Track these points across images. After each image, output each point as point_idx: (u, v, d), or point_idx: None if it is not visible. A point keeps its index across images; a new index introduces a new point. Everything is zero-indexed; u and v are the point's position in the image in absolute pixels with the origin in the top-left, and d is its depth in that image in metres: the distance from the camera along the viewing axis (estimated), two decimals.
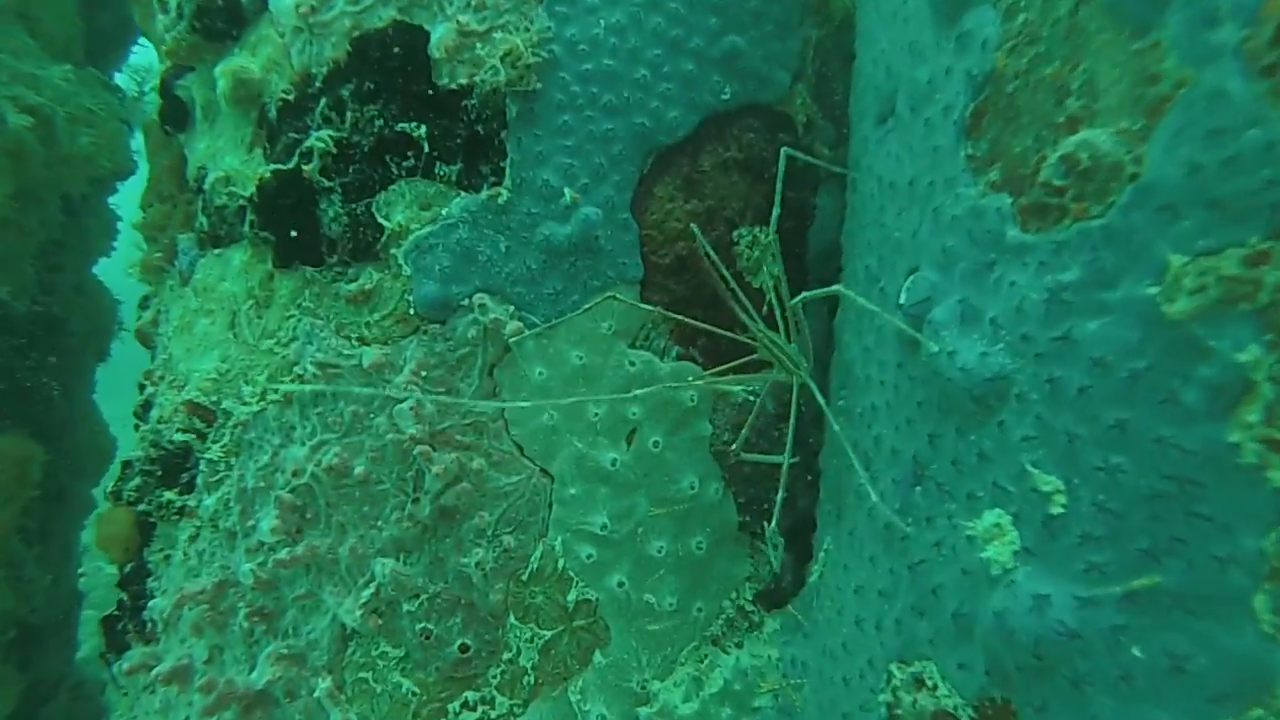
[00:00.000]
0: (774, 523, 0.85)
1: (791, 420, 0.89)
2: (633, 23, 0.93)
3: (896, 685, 0.69)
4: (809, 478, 1.00)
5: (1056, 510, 0.58)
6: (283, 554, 0.93)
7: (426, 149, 0.92)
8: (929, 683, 0.66)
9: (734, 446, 0.92)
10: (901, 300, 0.75)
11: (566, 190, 0.91)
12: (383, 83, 0.93)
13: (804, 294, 0.87)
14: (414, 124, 0.92)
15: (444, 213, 0.92)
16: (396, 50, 0.93)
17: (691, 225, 0.94)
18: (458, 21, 0.92)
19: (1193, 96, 0.53)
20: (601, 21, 0.93)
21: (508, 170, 0.92)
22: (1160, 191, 0.54)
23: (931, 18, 0.71)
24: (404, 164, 0.93)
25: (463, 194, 0.93)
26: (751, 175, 0.99)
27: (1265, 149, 0.50)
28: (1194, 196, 0.52)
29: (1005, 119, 0.65)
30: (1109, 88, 0.58)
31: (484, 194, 0.92)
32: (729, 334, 0.91)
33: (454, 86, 0.92)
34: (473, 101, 0.92)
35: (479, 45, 0.92)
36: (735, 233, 0.97)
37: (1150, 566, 0.54)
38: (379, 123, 0.93)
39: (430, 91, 0.92)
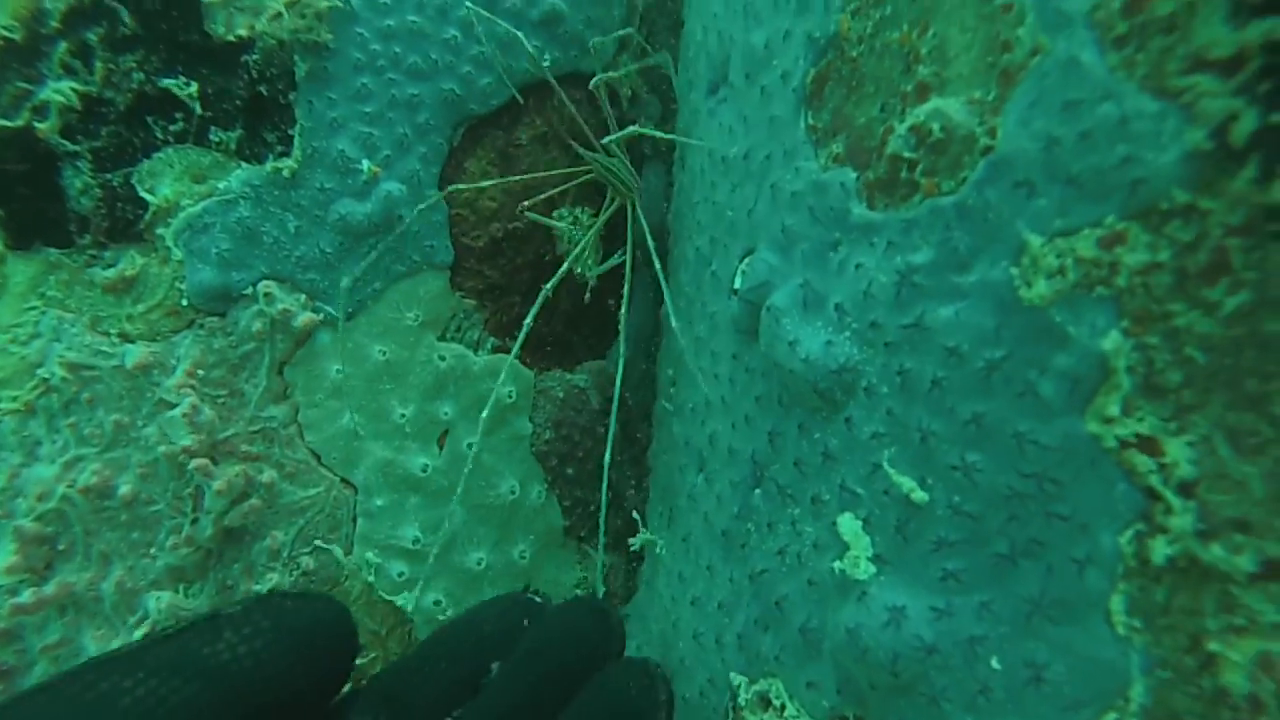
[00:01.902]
0: (600, 548, 0.79)
1: (629, 237, 0.82)
2: None
3: (741, 704, 0.63)
4: (633, 481, 0.93)
5: (910, 514, 0.53)
6: (26, 597, 0.78)
7: (199, 111, 0.79)
8: (776, 702, 0.60)
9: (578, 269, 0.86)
10: (736, 285, 0.69)
11: (365, 163, 0.81)
12: (142, 28, 0.79)
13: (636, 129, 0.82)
14: (182, 80, 0.79)
15: (221, 186, 0.80)
16: None
17: None
18: None
19: (1046, 66, 0.49)
20: None
21: (297, 139, 0.80)
22: (1015, 166, 0.50)
23: None
24: (171, 128, 0.79)
25: (244, 165, 0.80)
26: (574, 150, 0.91)
27: (1119, 124, 0.47)
28: (1050, 172, 0.48)
29: (849, 87, 0.60)
30: (960, 54, 0.54)
31: (269, 165, 0.80)
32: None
33: (231, 38, 0.79)
34: (255, 57, 0.80)
35: None
36: (555, 213, 0.89)
37: (1009, 572, 0.50)
38: (138, 77, 0.79)
39: (203, 42, 0.79)
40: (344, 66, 0.81)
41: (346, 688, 0.53)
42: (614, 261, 0.90)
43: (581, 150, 0.85)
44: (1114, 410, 0.47)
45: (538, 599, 0.60)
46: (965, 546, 0.51)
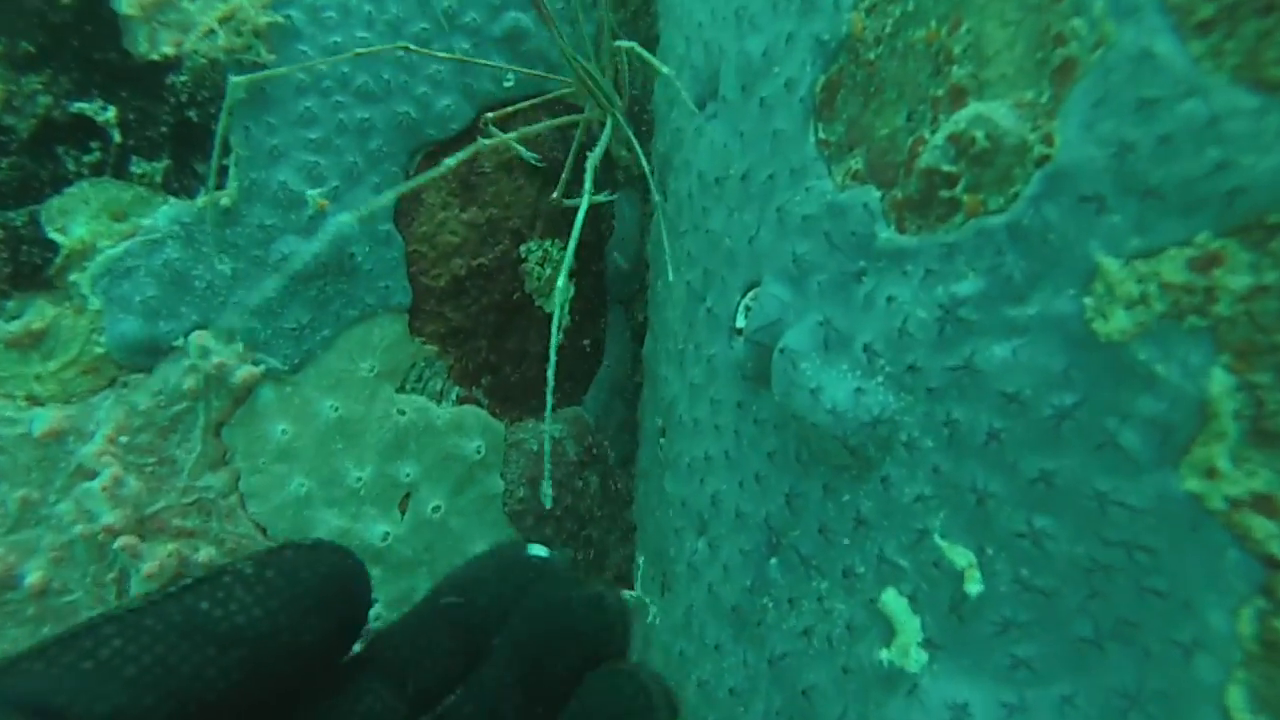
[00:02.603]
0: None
1: (597, 153, 0.73)
2: None
3: None
4: (615, 535, 0.85)
5: (969, 590, 0.44)
6: None
7: (118, 138, 0.70)
8: None
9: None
10: (739, 324, 0.61)
11: (311, 195, 0.72)
12: (49, 45, 0.70)
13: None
14: (98, 104, 0.69)
15: (146, 224, 0.70)
16: (67, 1, 0.70)
17: None
18: None
19: (1112, 60, 0.42)
20: None
21: (232, 169, 0.71)
22: (1080, 177, 0.42)
23: None
24: (85, 158, 0.70)
25: (171, 200, 0.71)
26: (541, 177, 0.83)
27: (1208, 125, 0.40)
28: (1124, 183, 0.41)
29: (867, 94, 0.52)
30: (1001, 51, 0.46)
31: (200, 200, 0.71)
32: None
33: (155, 57, 0.70)
34: (182, 78, 0.70)
35: (187, 3, 0.71)
36: (523, 247, 0.81)
37: (1095, 659, 0.42)
38: (44, 100, 0.69)
39: (122, 61, 0.70)
40: (286, 89, 0.72)
41: (357, 646, 0.48)
42: (601, 198, 0.81)
43: (565, 50, 0.75)
44: (1220, 463, 0.39)
45: (539, 555, 0.54)
46: (1038, 629, 0.43)
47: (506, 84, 0.80)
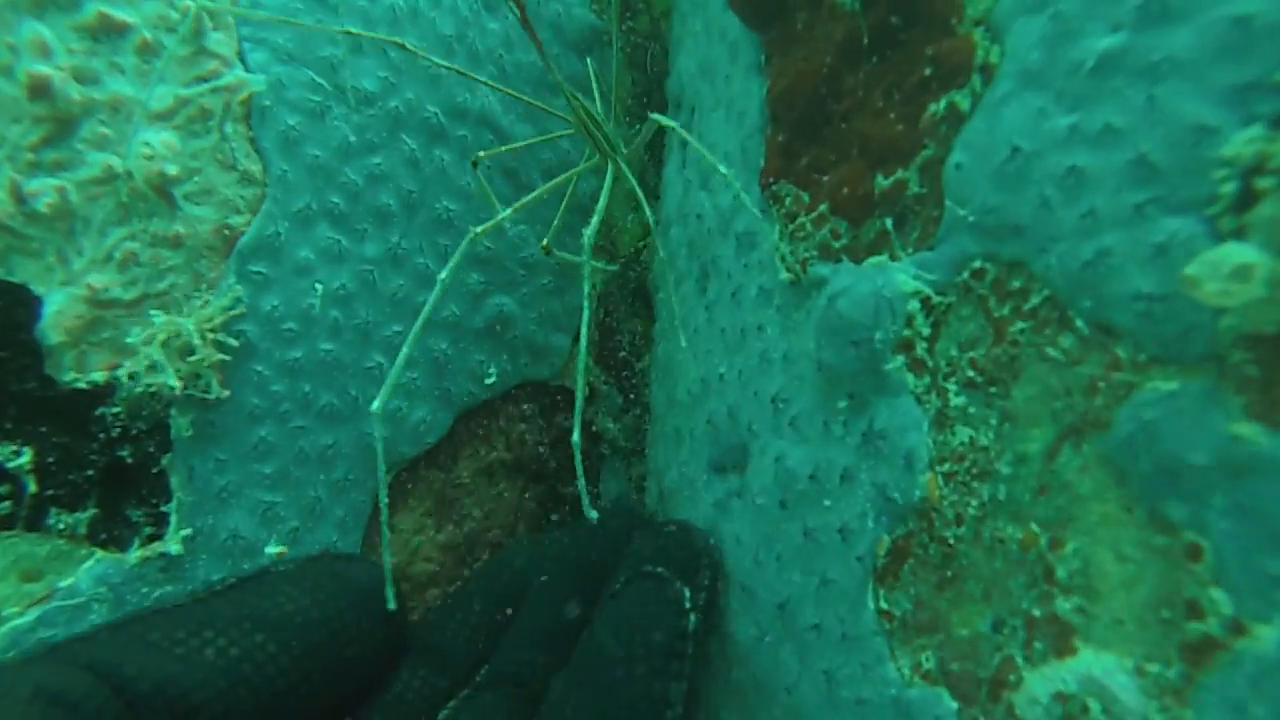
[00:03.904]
0: None
1: (602, 201, 0.69)
2: (363, 287, 0.66)
3: None
4: None
5: None
6: None
7: (32, 487, 0.59)
8: None
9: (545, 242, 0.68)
10: None
11: (270, 544, 0.62)
12: None
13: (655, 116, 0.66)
14: (10, 448, 0.59)
15: (64, 586, 0.59)
16: None
17: None
18: (88, 285, 0.60)
19: (1255, 653, 0.36)
20: (318, 287, 0.65)
21: (173, 516, 0.61)
22: None
23: (819, 387, 0.51)
24: None
25: (98, 555, 0.60)
26: (525, 477, 0.74)
27: None
28: None
29: (942, 576, 0.45)
30: (1116, 590, 0.40)
31: (134, 554, 0.60)
32: None
33: (83, 384, 0.60)
34: (115, 409, 0.60)
35: (125, 321, 0.61)
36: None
37: None
38: None
39: (43, 391, 0.60)
40: (237, 417, 0.62)
41: None
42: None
43: (568, 92, 0.70)
44: None
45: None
46: None
47: (489, 380, 0.71)
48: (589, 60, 0.81)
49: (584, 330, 0.65)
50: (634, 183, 0.71)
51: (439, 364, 0.69)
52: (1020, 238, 0.44)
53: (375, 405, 0.57)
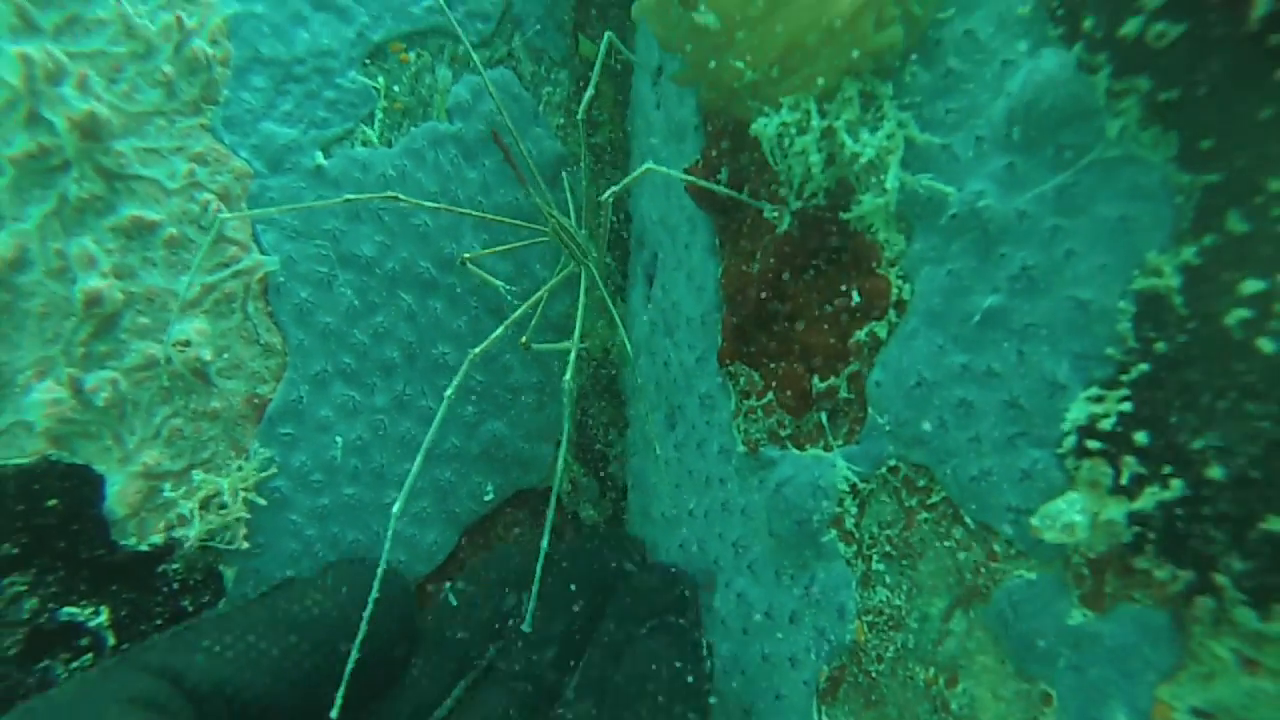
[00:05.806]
0: None
1: (579, 310, 0.79)
2: (376, 435, 0.77)
3: None
4: None
5: None
6: None
7: (111, 640, 0.70)
8: None
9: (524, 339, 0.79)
10: None
11: None
12: (33, 545, 0.69)
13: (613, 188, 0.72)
14: (89, 609, 0.69)
15: None
16: (53, 503, 0.69)
17: None
18: (144, 464, 0.70)
19: None
20: (338, 440, 0.75)
21: None
22: None
23: (771, 546, 0.64)
24: (74, 665, 0.69)
25: None
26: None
27: None
28: None
29: (869, 699, 0.59)
30: None
31: None
32: None
33: (145, 547, 0.70)
34: (174, 566, 0.71)
35: (171, 488, 0.71)
36: None
37: None
38: (30, 605, 0.68)
39: (110, 556, 0.70)
40: (277, 560, 0.73)
41: None
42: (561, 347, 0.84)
43: (545, 207, 0.79)
44: None
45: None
46: None
47: (487, 498, 0.83)
48: (564, 174, 0.89)
49: (562, 447, 0.75)
50: (606, 294, 0.81)
51: (444, 491, 0.80)
52: (925, 447, 0.56)
53: (396, 508, 0.67)
